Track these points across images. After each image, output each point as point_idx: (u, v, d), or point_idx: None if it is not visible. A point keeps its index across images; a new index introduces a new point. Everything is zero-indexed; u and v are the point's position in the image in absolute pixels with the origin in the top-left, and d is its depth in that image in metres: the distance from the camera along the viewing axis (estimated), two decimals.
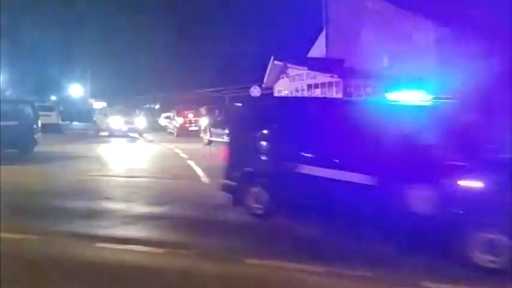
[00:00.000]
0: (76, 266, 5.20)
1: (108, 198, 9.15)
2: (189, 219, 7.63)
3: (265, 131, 7.62)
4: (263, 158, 7.46)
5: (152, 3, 43.18)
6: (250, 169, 7.57)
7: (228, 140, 8.13)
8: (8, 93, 44.31)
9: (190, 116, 29.39)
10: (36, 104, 30.62)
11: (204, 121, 25.35)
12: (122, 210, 8.04)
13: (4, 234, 6.14)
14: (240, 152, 7.86)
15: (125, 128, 26.13)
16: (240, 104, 9.35)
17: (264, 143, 7.55)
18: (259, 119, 7.77)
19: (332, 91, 20.95)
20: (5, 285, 4.62)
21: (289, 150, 7.06)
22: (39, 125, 16.87)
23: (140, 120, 27.52)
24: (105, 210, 8.06)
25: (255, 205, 7.47)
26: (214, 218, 7.70)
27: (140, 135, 26.30)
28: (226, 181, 7.99)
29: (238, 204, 7.70)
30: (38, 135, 16.66)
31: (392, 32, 21.11)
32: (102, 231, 6.57)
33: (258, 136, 7.63)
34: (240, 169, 7.72)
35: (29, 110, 16.65)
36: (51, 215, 7.59)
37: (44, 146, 17.90)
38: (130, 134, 26.12)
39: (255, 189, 7.45)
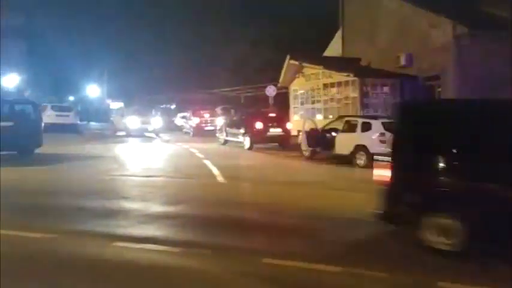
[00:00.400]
0: (95, 264, 5.26)
1: (125, 198, 9.23)
2: (205, 218, 7.67)
3: (454, 144, 6.00)
4: (453, 179, 5.86)
5: (167, 4, 43.39)
6: (432, 193, 5.95)
7: (390, 157, 6.47)
8: (27, 93, 45.03)
9: (206, 115, 29.50)
10: (54, 104, 31.23)
11: (219, 121, 25.42)
12: (139, 210, 8.11)
13: (24, 233, 6.23)
14: (413, 171, 6.17)
15: (141, 128, 26.30)
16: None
17: (452, 160, 5.94)
18: (442, 128, 6.15)
19: (348, 90, 20.84)
20: (25, 284, 4.69)
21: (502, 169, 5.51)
22: (42, 125, 16.19)
23: (156, 120, 27.68)
24: (122, 210, 8.14)
25: (440, 239, 5.78)
26: (231, 217, 7.72)
27: (157, 135, 26.46)
28: (390, 208, 6.31)
29: (410, 236, 6.13)
30: (40, 137, 15.75)
31: (409, 31, 20.94)
32: (119, 231, 6.64)
33: (443, 150, 6.03)
34: (413, 193, 6.10)
35: (30, 110, 15.91)
36: (70, 215, 7.69)
37: (63, 146, 18.14)
38: (147, 134, 26.30)
39: (441, 220, 5.78)
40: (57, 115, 28.94)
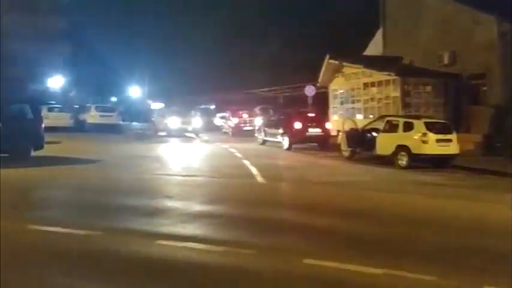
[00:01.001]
0: (140, 262, 5.37)
1: (167, 197, 9.40)
2: (245, 218, 7.71)
3: None
4: None
5: (206, 5, 43.87)
6: None
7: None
8: (71, 94, 46.41)
9: (245, 116, 29.66)
10: (98, 105, 32.06)
11: (258, 121, 25.50)
12: (181, 209, 8.23)
13: (69, 230, 6.42)
14: None
15: (181, 128, 26.66)
16: None
17: None
18: None
19: (389, 90, 20.49)
20: (70, 279, 4.83)
21: None
22: (42, 127, 14.72)
23: (196, 121, 28.00)
24: (165, 208, 8.27)
25: None
26: (272, 217, 7.74)
27: (196, 135, 26.78)
28: None
29: None
30: (39, 138, 14.36)
31: (452, 28, 20.42)
32: (163, 229, 6.75)
33: None
34: None
35: (27, 110, 14.57)
36: (114, 212, 7.88)
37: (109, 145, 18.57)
38: (187, 134, 26.65)
39: None
40: (100, 115, 29.75)
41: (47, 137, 15.22)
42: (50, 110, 29.65)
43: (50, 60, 40.43)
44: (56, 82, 44.58)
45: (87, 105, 33.37)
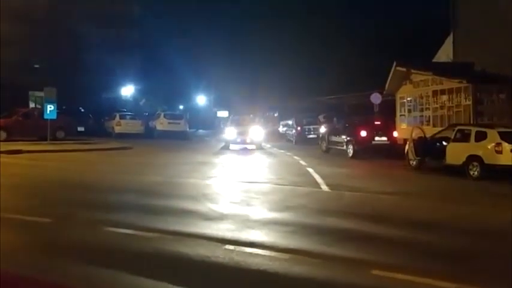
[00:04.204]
0: (208, 265, 5.51)
1: (232, 202, 9.57)
2: (311, 227, 7.68)
3: None
4: None
5: (271, 14, 44.27)
6: None
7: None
8: (141, 102, 48.31)
9: (309, 123, 29.51)
10: (167, 113, 33.13)
11: (322, 129, 25.29)
12: (246, 215, 8.34)
13: (141, 233, 6.70)
14: None
15: (238, 139, 25.68)
16: None
17: None
18: None
19: (460, 97, 19.71)
20: (144, 279, 5.04)
21: None
22: None
23: (256, 131, 27.32)
24: (230, 214, 8.41)
25: None
26: (338, 227, 7.69)
27: (257, 146, 25.93)
28: None
29: None
30: None
31: None
32: (229, 234, 6.87)
33: None
34: None
35: None
36: (182, 216, 8.12)
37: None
38: (245, 146, 26.01)
39: None
40: (169, 122, 30.77)
41: (120, 143, 15.98)
42: (122, 117, 31.11)
43: (122, 70, 42.36)
44: (127, 91, 46.68)
45: (157, 112, 34.64)
